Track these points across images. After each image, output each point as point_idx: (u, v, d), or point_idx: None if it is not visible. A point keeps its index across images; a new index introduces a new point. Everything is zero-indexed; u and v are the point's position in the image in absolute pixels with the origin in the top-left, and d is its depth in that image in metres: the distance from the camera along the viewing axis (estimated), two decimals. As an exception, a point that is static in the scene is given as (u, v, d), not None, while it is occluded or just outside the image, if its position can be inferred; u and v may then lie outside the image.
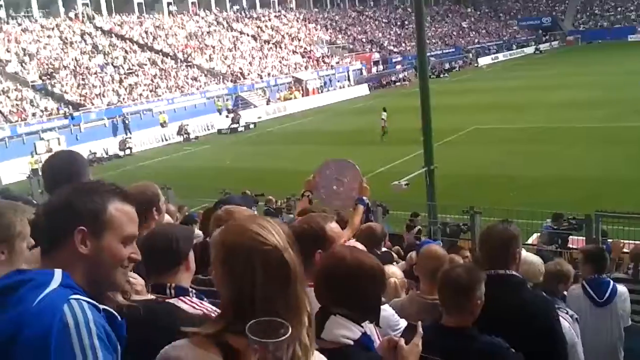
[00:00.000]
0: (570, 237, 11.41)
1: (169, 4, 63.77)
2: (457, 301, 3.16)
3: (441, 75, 65.22)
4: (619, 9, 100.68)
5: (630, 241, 9.68)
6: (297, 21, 73.40)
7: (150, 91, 46.21)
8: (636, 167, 20.69)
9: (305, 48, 65.65)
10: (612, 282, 5.47)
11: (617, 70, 51.60)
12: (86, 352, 1.59)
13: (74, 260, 1.77)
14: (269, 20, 70.19)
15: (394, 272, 4.95)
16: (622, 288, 5.51)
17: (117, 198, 1.85)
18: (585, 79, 47.06)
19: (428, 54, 21.12)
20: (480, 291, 3.13)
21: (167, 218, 4.37)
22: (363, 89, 58.66)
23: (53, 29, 50.67)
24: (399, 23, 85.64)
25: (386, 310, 3.59)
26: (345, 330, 2.38)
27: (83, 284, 1.74)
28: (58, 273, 1.69)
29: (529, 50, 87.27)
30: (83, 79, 44.69)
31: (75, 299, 1.64)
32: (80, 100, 41.90)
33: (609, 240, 9.45)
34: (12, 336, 1.57)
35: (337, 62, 63.92)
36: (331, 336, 2.38)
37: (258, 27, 66.96)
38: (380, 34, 79.67)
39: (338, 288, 2.44)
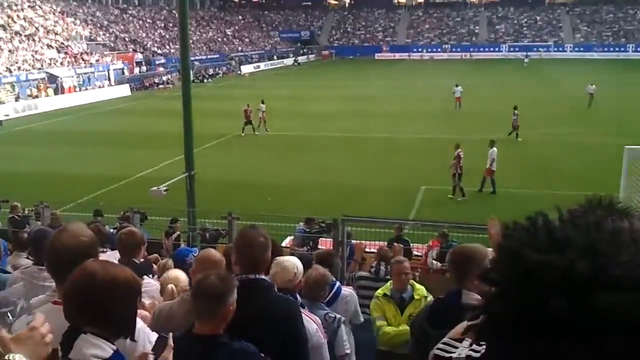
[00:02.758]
0: (321, 239, 12.20)
1: None
2: (210, 309, 3.16)
3: (205, 81, 65.46)
4: (369, 28, 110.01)
5: (372, 242, 10.68)
6: (54, 14, 68.30)
7: None
8: (378, 174, 22.78)
9: (62, 43, 61.38)
10: (337, 285, 5.86)
11: (364, 84, 56.53)
12: None
13: None
14: (22, 10, 64.32)
15: (178, 277, 4.84)
16: (346, 292, 5.95)
17: None
18: (336, 92, 50.56)
19: (192, 58, 21.07)
20: (233, 297, 3.18)
21: None
22: (124, 90, 56.51)
23: None
24: (163, 25, 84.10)
25: (139, 323, 3.53)
26: (96, 349, 2.31)
27: None
28: None
29: (289, 61, 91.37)
30: None
31: None
32: None
33: (353, 241, 10.24)
34: None
35: (97, 60, 60.76)
36: (80, 356, 2.28)
37: (9, 16, 60.94)
38: (144, 34, 77.47)
39: (89, 306, 2.34)
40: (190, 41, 21.95)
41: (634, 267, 0.95)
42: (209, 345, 3.17)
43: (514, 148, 26.48)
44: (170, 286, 4.58)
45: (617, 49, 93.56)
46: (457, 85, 40.18)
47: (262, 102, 33.43)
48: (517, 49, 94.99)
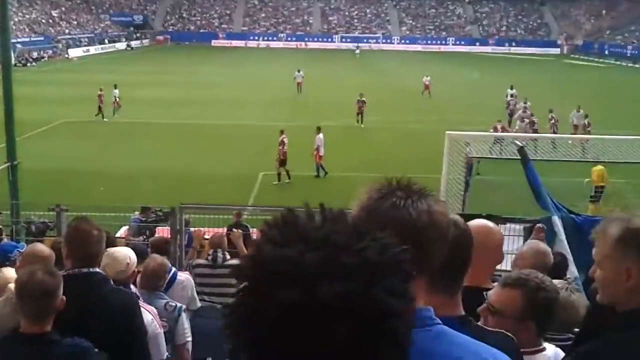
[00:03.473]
0: (158, 228, 11.94)
1: None
2: (39, 307, 3.04)
3: (28, 64, 61.05)
4: (205, 15, 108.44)
5: (212, 229, 10.63)
6: None
7: None
8: (217, 161, 22.68)
9: None
10: (173, 271, 5.87)
11: (201, 71, 55.84)
12: None
13: None
14: None
15: (14, 276, 4.51)
16: (182, 277, 6.00)
17: None
18: (172, 78, 49.47)
19: (13, 40, 19.42)
20: (61, 292, 3.08)
21: None
22: None
23: None
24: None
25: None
26: None
27: None
28: None
29: (121, 46, 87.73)
30: None
31: None
32: None
33: (191, 229, 10.14)
34: None
35: None
36: None
37: None
38: (-47, 12, 70.39)
39: None
40: (12, 22, 20.29)
41: (368, 254, 1.02)
42: (39, 344, 3.04)
43: (352, 133, 27.71)
44: (11, 285, 4.30)
45: (438, 41, 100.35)
46: (298, 71, 43.35)
47: (115, 87, 32.48)
48: (348, 39, 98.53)
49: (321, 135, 21.38)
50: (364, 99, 30.43)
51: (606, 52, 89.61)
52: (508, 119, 30.55)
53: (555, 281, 3.69)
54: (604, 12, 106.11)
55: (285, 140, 20.75)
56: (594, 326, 2.20)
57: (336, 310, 0.96)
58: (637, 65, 76.95)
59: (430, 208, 1.55)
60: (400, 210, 1.52)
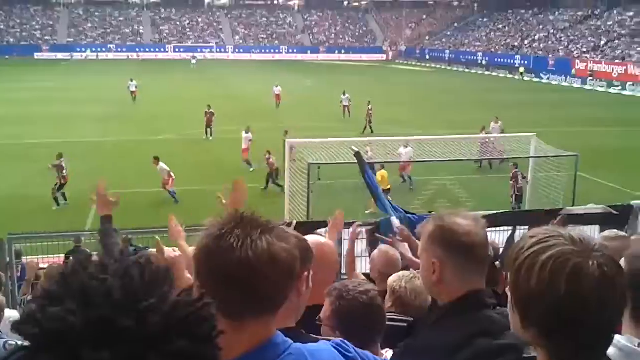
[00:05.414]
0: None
1: None
2: None
3: None
4: (25, 26, 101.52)
5: (47, 257, 9.96)
6: None
7: None
8: (45, 183, 21.14)
9: None
10: None
11: (25, 86, 52.17)
12: None
13: None
14: None
15: None
16: (9, 313, 5.46)
17: None
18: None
19: None
20: None
21: None
22: None
23: None
24: None
25: None
26: None
27: None
28: None
29: None
30: None
31: None
32: None
33: (24, 260, 9.46)
34: None
35: None
36: None
37: None
38: None
39: None
40: None
41: (150, 316, 0.91)
42: None
43: (195, 146, 27.41)
44: None
45: (272, 50, 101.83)
46: (132, 80, 43.44)
47: None
48: (182, 49, 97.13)
49: (161, 166, 20.42)
50: (211, 110, 29.90)
51: (427, 57, 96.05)
52: (367, 124, 31.04)
53: (404, 272, 3.90)
54: (423, 18, 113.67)
55: (64, 164, 19.82)
56: (419, 321, 2.35)
57: None
58: (454, 68, 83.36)
59: (271, 247, 1.50)
60: (237, 251, 1.46)
